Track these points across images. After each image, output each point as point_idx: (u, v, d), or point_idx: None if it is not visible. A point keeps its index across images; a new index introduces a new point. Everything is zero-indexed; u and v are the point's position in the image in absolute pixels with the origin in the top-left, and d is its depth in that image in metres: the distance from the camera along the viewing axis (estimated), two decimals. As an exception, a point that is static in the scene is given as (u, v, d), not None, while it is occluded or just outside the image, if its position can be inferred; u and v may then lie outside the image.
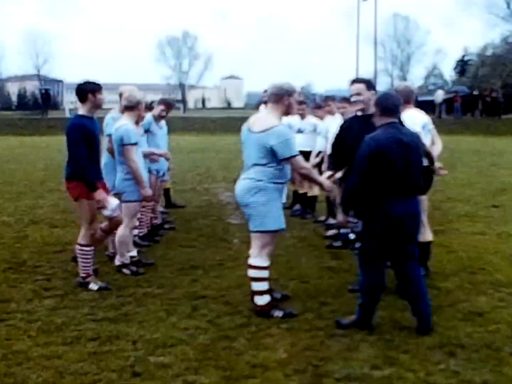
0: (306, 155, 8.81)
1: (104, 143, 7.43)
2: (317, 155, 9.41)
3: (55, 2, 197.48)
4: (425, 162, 5.72)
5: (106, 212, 6.30)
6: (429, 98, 45.65)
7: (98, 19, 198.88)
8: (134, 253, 7.17)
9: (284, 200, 5.81)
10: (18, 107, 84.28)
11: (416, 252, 5.26)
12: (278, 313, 5.55)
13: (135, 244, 7.57)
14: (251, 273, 5.63)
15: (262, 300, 5.60)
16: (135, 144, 6.81)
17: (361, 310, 5.26)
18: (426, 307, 5.21)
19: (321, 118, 9.76)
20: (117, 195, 6.84)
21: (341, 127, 6.37)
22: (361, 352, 4.80)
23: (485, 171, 16.36)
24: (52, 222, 9.92)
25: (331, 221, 9.30)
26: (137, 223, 7.20)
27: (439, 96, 42.84)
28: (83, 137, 6.13)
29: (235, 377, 4.40)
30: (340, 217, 7.30)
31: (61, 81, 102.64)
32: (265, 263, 5.58)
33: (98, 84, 6.35)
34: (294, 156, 5.45)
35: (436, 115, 38.62)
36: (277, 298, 5.85)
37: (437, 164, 6.26)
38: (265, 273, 5.60)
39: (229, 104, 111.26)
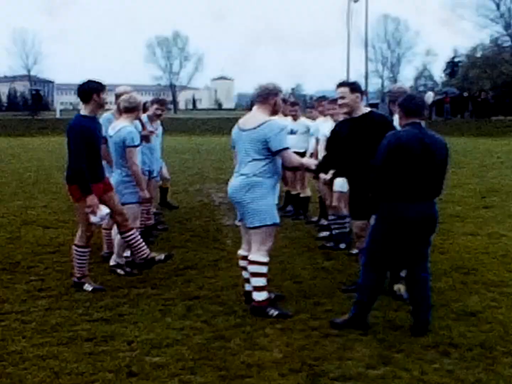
0: (299, 156, 8.83)
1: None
2: (310, 156, 9.43)
3: (45, 3, 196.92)
4: None
5: (94, 219, 6.25)
6: (420, 99, 45.68)
7: (88, 20, 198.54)
8: (127, 253, 7.17)
9: (276, 201, 5.87)
10: (8, 108, 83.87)
11: (427, 253, 5.31)
12: (273, 312, 5.59)
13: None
14: (251, 268, 5.67)
15: (260, 296, 5.63)
16: (138, 146, 6.82)
17: (356, 308, 5.29)
18: (427, 311, 5.24)
19: (314, 119, 9.79)
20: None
21: (332, 131, 6.42)
22: (356, 351, 4.83)
23: (475, 172, 16.46)
24: (45, 223, 9.90)
25: (324, 222, 9.34)
26: (138, 225, 7.21)
27: (429, 97, 42.90)
28: (83, 138, 6.11)
29: (231, 377, 4.42)
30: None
31: (51, 81, 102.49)
32: (265, 258, 5.63)
33: (102, 84, 6.31)
34: (286, 148, 5.58)
35: (426, 116, 38.69)
36: (271, 298, 5.88)
37: None
38: (264, 269, 5.64)
39: (219, 105, 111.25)
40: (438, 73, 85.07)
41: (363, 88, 6.60)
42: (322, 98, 9.61)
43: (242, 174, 5.65)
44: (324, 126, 8.35)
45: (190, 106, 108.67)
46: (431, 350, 4.86)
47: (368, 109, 6.22)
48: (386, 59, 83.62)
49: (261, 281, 5.65)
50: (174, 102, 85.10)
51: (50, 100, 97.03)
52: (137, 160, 6.86)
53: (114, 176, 6.96)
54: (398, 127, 5.70)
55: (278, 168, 5.71)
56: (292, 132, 10.16)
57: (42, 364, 4.61)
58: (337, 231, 8.29)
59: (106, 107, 6.64)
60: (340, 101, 6.13)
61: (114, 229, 6.88)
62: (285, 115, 10.44)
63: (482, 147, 24.76)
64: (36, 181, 15.12)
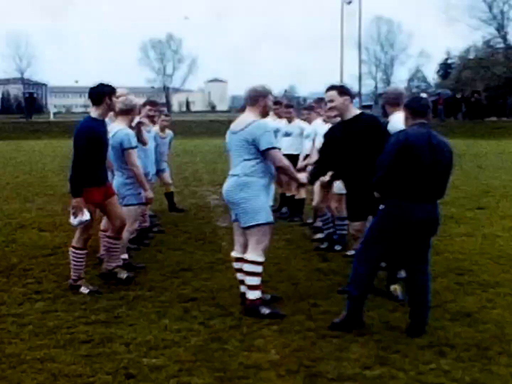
0: (293, 158, 8.88)
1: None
2: (305, 158, 9.45)
3: (39, 6, 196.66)
4: None
5: (73, 221, 6.26)
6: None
7: (82, 23, 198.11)
8: (125, 255, 7.18)
9: (271, 203, 5.90)
10: (2, 111, 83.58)
11: (428, 256, 5.33)
12: (265, 310, 5.63)
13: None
14: (246, 267, 5.69)
15: (253, 295, 5.67)
16: (136, 147, 6.83)
17: (350, 304, 5.29)
18: (425, 312, 5.26)
19: (309, 121, 9.79)
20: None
21: (324, 136, 6.45)
22: (353, 352, 4.85)
23: (469, 174, 16.54)
24: (41, 226, 9.90)
25: (319, 224, 9.35)
26: (136, 226, 7.22)
27: (423, 99, 43.03)
28: (89, 141, 6.13)
29: (229, 378, 4.43)
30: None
31: (45, 84, 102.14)
32: (261, 258, 5.66)
33: (113, 87, 6.36)
34: (274, 148, 5.61)
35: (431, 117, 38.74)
36: (265, 298, 5.90)
37: None
38: (259, 268, 5.67)
39: (213, 107, 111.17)
40: (431, 75, 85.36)
41: (356, 90, 6.65)
42: (321, 99, 9.62)
43: (234, 175, 5.73)
44: (322, 128, 8.35)
45: (184, 109, 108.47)
46: (427, 350, 4.88)
47: (359, 111, 6.25)
48: (380, 60, 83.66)
49: (255, 280, 5.68)
50: (168, 104, 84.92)
51: (44, 103, 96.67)
52: (136, 161, 6.87)
53: (115, 179, 6.99)
54: (393, 129, 5.74)
55: (270, 167, 5.74)
56: (286, 134, 10.20)
57: (39, 367, 4.61)
58: (329, 231, 8.32)
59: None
60: (329, 105, 6.17)
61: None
62: (280, 117, 10.48)
63: (475, 148, 24.84)
64: (31, 184, 15.10)
